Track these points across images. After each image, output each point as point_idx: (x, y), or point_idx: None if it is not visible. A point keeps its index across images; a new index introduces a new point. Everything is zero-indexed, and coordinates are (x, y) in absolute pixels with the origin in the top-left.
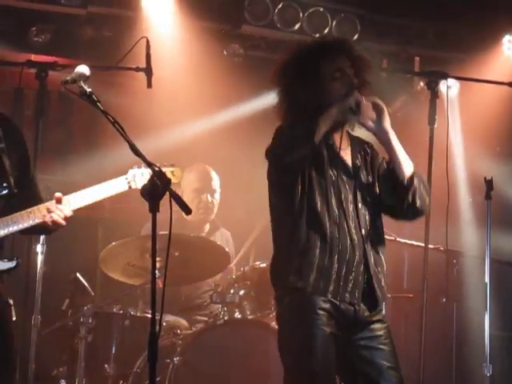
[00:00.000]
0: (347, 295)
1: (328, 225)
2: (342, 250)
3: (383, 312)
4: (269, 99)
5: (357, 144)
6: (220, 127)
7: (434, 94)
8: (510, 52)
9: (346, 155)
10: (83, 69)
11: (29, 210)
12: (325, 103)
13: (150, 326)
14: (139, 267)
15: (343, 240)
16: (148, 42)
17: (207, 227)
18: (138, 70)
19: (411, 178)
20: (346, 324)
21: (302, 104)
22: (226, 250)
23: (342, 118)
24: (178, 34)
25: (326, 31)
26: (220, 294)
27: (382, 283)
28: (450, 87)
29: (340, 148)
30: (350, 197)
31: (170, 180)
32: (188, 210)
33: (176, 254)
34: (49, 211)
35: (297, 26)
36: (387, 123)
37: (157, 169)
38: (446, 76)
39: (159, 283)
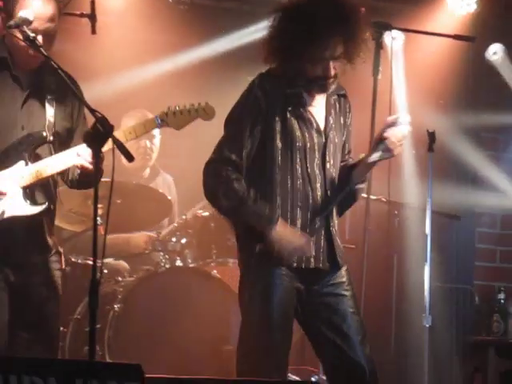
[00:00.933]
0: (312, 260)
1: (291, 194)
2: (304, 217)
3: None
4: (215, 47)
5: (332, 94)
6: (165, 75)
7: (379, 44)
8: (454, 4)
9: (319, 112)
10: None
11: (62, 153)
12: (300, 72)
13: (91, 273)
14: (81, 214)
15: (306, 206)
16: None
17: (147, 172)
18: (82, 15)
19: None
20: (308, 274)
21: (285, 55)
22: (169, 197)
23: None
24: None
25: None
26: (162, 241)
27: (340, 244)
28: (394, 39)
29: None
30: (318, 159)
31: (113, 126)
32: (131, 158)
33: (118, 201)
34: (78, 155)
35: None
36: None
37: (99, 115)
38: (390, 27)
39: (101, 230)
